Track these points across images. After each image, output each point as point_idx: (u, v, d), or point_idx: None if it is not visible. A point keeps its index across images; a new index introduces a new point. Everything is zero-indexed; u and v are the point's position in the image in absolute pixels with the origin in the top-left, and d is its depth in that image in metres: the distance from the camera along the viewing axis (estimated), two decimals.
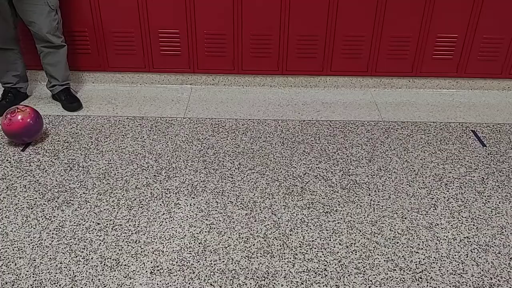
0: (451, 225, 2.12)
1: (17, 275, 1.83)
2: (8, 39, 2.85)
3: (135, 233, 2.05)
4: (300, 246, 1.99)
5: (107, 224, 2.09)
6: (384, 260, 1.93)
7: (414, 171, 2.48)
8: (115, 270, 1.86)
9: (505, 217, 2.17)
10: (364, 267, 1.90)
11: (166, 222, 2.11)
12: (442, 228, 2.10)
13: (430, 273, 1.87)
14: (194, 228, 2.08)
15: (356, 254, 1.95)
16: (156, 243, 2.00)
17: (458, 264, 1.92)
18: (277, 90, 3.33)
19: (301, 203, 2.24)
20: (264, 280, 1.83)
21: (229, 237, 2.03)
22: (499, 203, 2.27)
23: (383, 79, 3.31)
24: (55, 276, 1.83)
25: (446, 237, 2.06)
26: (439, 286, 1.82)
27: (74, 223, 2.10)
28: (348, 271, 1.88)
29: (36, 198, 2.25)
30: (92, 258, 1.92)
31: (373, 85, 3.33)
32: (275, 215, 2.16)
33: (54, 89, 3.05)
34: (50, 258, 1.91)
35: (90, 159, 2.53)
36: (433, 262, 1.92)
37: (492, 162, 2.56)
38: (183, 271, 1.86)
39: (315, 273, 1.86)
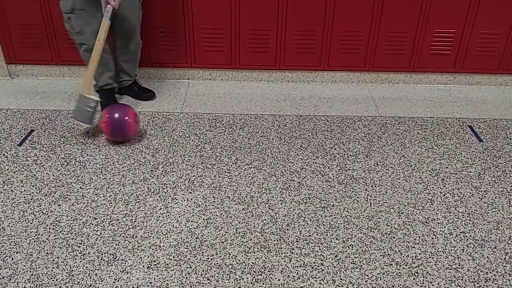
0: (448, 220, 2.13)
1: (14, 270, 1.83)
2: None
3: (132, 228, 2.05)
4: (297, 241, 1.99)
5: (104, 219, 2.09)
6: (381, 255, 1.93)
7: (411, 166, 2.48)
8: (112, 265, 1.87)
9: (501, 212, 2.18)
10: (360, 261, 1.90)
11: (163, 217, 2.11)
12: (438, 223, 2.11)
13: (426, 267, 1.88)
14: (191, 223, 2.08)
15: (352, 249, 1.96)
16: (153, 237, 2.00)
17: (454, 259, 1.93)
18: (275, 85, 3.32)
19: (298, 198, 2.24)
20: (261, 274, 1.83)
21: (226, 232, 2.03)
22: (495, 198, 2.27)
23: (380, 74, 3.31)
24: (52, 270, 1.83)
25: (443, 232, 2.06)
26: (435, 280, 1.83)
27: (71, 218, 2.10)
28: (344, 265, 1.88)
29: (33, 192, 2.25)
30: (89, 253, 1.92)
31: (370, 80, 3.33)
32: (272, 210, 2.16)
33: (123, 83, 3.06)
34: (47, 253, 1.91)
35: (87, 154, 2.53)
36: (429, 257, 1.93)
37: (489, 158, 2.57)
38: (180, 265, 1.87)
39: (312, 268, 1.87)
